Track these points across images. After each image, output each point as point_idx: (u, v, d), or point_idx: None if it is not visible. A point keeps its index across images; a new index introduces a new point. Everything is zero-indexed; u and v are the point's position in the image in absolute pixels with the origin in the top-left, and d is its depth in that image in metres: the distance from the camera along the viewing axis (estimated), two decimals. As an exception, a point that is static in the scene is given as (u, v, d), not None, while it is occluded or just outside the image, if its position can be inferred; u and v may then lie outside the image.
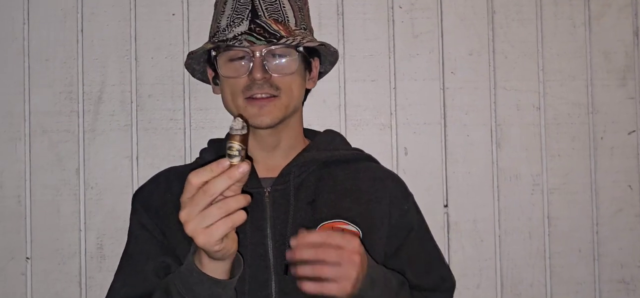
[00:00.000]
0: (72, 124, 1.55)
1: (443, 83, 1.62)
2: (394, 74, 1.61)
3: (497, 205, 1.62)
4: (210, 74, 1.30)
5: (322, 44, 1.26)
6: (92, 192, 1.55)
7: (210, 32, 1.29)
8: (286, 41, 1.17)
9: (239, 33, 1.18)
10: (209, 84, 1.34)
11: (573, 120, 1.64)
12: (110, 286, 1.23)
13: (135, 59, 1.57)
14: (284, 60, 1.20)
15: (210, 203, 0.92)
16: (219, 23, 1.24)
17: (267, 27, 1.18)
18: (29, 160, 1.54)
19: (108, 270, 1.49)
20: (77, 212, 1.55)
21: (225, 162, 0.93)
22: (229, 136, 0.95)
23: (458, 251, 1.61)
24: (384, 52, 1.61)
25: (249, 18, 1.20)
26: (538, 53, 1.64)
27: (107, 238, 1.54)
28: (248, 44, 1.16)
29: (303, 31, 1.25)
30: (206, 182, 0.93)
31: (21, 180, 1.54)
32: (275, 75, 1.19)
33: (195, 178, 0.93)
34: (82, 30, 1.56)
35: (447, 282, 1.31)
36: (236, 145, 0.93)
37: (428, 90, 1.62)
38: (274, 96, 1.19)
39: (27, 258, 1.54)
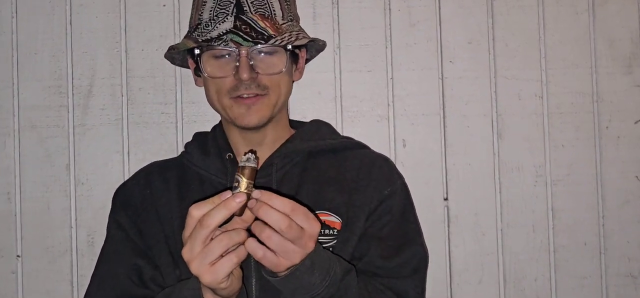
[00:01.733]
0: (61, 118, 1.54)
1: (441, 73, 1.58)
2: (391, 64, 1.58)
3: (499, 198, 1.58)
4: (191, 64, 1.26)
5: (311, 40, 1.23)
6: (82, 188, 1.54)
7: (190, 23, 1.25)
8: (275, 41, 1.14)
9: (224, 31, 1.13)
10: (185, 68, 1.32)
11: (577, 110, 1.60)
12: (87, 288, 1.23)
13: (126, 52, 1.54)
14: (271, 58, 1.16)
15: (211, 239, 0.90)
16: (200, 15, 1.19)
17: (253, 25, 1.14)
18: (18, 156, 1.53)
19: None
20: (67, 208, 1.53)
21: (226, 194, 0.91)
22: (237, 169, 0.93)
23: (459, 245, 1.58)
24: (381, 42, 1.58)
25: (234, 14, 1.15)
26: (540, 40, 1.60)
27: (98, 235, 1.51)
28: (234, 45, 1.13)
29: (289, 23, 1.21)
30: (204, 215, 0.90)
31: (11, 176, 1.53)
32: (263, 73, 1.15)
33: (197, 211, 0.91)
34: (70, 23, 1.54)
35: (413, 262, 1.21)
36: (242, 178, 0.91)
37: (426, 81, 1.58)
38: (262, 95, 1.16)
39: (18, 256, 1.52)
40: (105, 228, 1.45)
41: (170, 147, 1.54)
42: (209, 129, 1.35)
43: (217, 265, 0.91)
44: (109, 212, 1.45)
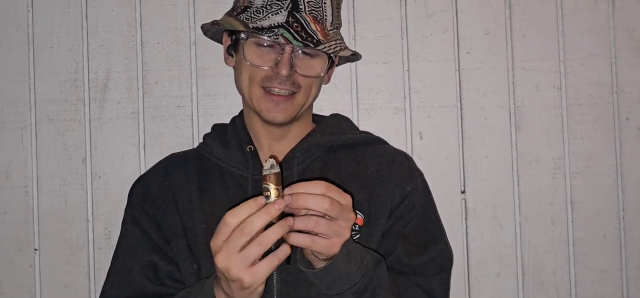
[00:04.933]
0: (78, 112, 1.54)
1: (458, 64, 1.58)
2: (407, 56, 1.57)
3: (517, 191, 1.57)
4: (226, 41, 1.25)
5: (354, 54, 1.25)
6: (99, 182, 1.54)
7: (238, 0, 1.23)
8: (323, 48, 1.14)
9: (276, 24, 1.13)
10: (216, 41, 1.31)
11: (596, 101, 1.59)
12: (103, 286, 1.24)
13: (141, 45, 1.55)
14: (312, 61, 1.17)
15: (248, 242, 0.91)
16: None
17: (305, 25, 1.14)
18: (36, 150, 1.53)
19: None
20: (84, 202, 1.53)
21: (261, 200, 0.92)
22: (262, 177, 0.95)
23: (477, 238, 1.57)
24: (397, 33, 1.57)
25: (288, 8, 1.15)
26: (558, 31, 1.59)
27: (116, 228, 1.47)
28: (284, 41, 1.12)
29: (335, 30, 1.22)
30: (242, 221, 0.91)
31: (28, 170, 1.53)
32: (300, 73, 1.16)
33: (233, 219, 0.91)
34: (86, 17, 1.54)
35: (438, 260, 1.22)
36: (270, 185, 0.93)
37: (443, 72, 1.57)
38: (293, 93, 1.17)
39: (35, 249, 1.53)
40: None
41: (186, 139, 1.54)
42: (224, 122, 1.35)
43: (258, 267, 0.91)
44: (125, 204, 1.45)
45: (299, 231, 0.95)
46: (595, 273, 1.58)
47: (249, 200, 0.93)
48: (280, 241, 0.94)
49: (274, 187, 0.93)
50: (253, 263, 0.91)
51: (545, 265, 1.57)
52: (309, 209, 0.94)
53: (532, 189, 1.58)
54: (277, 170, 0.94)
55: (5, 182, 1.53)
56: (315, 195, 0.93)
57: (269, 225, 0.93)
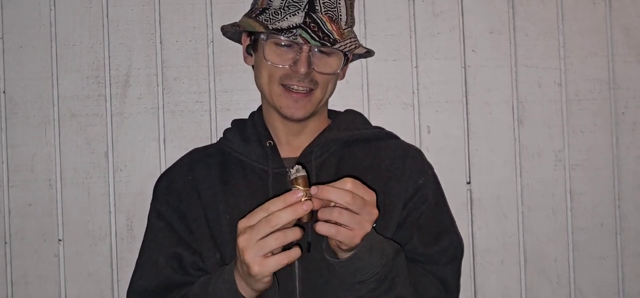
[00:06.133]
0: (100, 107, 1.58)
1: (464, 61, 1.62)
2: (416, 53, 1.62)
3: (520, 182, 1.63)
4: (245, 41, 1.29)
5: (368, 51, 1.29)
6: (121, 175, 1.58)
7: (255, 3, 1.27)
8: (339, 46, 1.18)
9: (294, 25, 1.17)
10: (235, 41, 1.35)
11: (594, 96, 1.64)
12: (132, 276, 1.27)
13: (161, 43, 1.59)
14: (328, 59, 1.21)
15: (269, 234, 0.96)
16: (270, 0, 1.22)
17: (322, 25, 1.18)
18: (59, 144, 1.57)
19: (138, 251, 1.47)
20: (106, 194, 1.57)
21: (299, 193, 0.97)
22: (291, 181, 0.99)
23: (482, 227, 1.62)
24: (405, 32, 1.62)
25: (305, 10, 1.19)
26: (559, 30, 1.64)
27: (137, 219, 1.57)
28: (302, 40, 1.16)
29: (349, 29, 1.26)
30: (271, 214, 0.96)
31: (51, 163, 1.57)
32: (318, 71, 1.20)
33: (274, 206, 0.96)
34: (107, 15, 1.58)
35: (451, 250, 1.27)
36: (299, 188, 0.97)
37: (450, 69, 1.62)
38: (311, 90, 1.21)
39: (59, 240, 1.57)
40: (143, 212, 1.46)
41: (204, 134, 1.58)
42: (241, 117, 1.39)
43: (269, 260, 0.96)
44: (146, 196, 1.46)
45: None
46: (593, 259, 1.64)
47: (285, 194, 0.98)
48: (296, 243, 0.99)
49: (303, 188, 0.97)
50: (266, 255, 0.96)
51: (546, 252, 1.63)
52: (333, 202, 0.99)
53: (534, 181, 1.63)
54: (303, 173, 0.99)
55: (30, 175, 1.57)
56: (338, 189, 0.98)
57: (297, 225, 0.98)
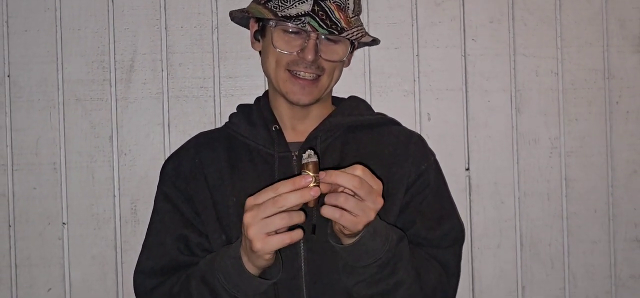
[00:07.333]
0: (104, 92, 1.57)
1: (464, 50, 1.64)
2: (417, 42, 1.63)
3: (517, 168, 1.65)
4: (252, 26, 1.29)
5: (374, 40, 1.30)
6: (125, 159, 1.58)
7: None
8: (347, 35, 1.19)
9: (303, 12, 1.17)
10: (243, 27, 1.35)
11: (590, 86, 1.66)
12: (139, 257, 1.28)
13: (165, 28, 1.58)
14: (335, 46, 1.22)
15: (275, 214, 0.97)
16: None
17: (330, 13, 1.18)
18: (64, 128, 1.57)
19: (142, 234, 1.46)
20: (111, 178, 1.58)
21: (302, 181, 0.97)
22: (301, 166, 1.00)
23: (479, 212, 1.65)
24: (407, 20, 1.63)
25: None
26: (556, 20, 1.65)
27: (141, 203, 1.58)
28: (310, 28, 1.17)
29: (356, 17, 1.27)
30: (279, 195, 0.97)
31: (56, 147, 1.57)
32: (325, 58, 1.21)
33: (283, 187, 0.97)
34: (112, 0, 1.58)
35: (452, 234, 1.28)
36: (309, 173, 0.98)
37: (450, 57, 1.63)
38: (318, 76, 1.21)
39: (64, 223, 1.57)
40: (147, 196, 1.53)
41: (208, 119, 1.59)
42: (245, 103, 1.39)
43: (272, 238, 0.98)
44: (150, 180, 1.53)
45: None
46: (587, 244, 1.66)
47: (294, 177, 0.98)
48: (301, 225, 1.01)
49: (313, 174, 0.98)
50: (269, 234, 0.98)
51: (541, 237, 1.65)
52: (341, 186, 1.00)
53: (530, 167, 1.65)
54: (315, 159, 0.99)
55: (35, 158, 1.56)
56: (346, 174, 0.99)
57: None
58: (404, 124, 1.41)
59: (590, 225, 1.67)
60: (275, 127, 1.27)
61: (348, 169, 1.01)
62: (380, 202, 1.02)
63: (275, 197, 0.97)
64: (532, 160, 1.65)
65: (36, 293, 1.56)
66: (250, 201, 0.99)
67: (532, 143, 1.65)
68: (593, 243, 1.67)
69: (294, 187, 0.97)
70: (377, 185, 1.02)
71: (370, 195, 1.00)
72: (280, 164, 1.23)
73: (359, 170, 1.00)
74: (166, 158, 1.37)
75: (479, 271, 1.65)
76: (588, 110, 1.67)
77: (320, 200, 0.99)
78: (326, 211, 0.99)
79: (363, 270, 1.09)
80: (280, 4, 1.20)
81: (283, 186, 0.97)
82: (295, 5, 1.18)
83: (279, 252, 1.05)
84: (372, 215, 1.01)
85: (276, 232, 0.98)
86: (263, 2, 1.24)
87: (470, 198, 1.65)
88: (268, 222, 0.97)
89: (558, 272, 1.66)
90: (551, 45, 1.66)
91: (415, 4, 1.63)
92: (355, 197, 0.99)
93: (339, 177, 0.99)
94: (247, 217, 0.98)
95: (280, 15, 1.18)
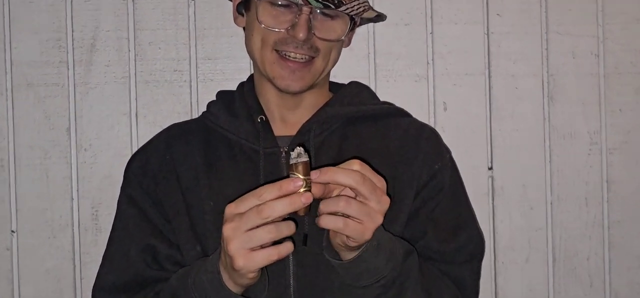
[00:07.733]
0: (61, 76, 1.51)
1: (487, 27, 1.57)
2: (431, 17, 1.56)
3: (549, 168, 1.59)
4: None
5: (379, 15, 1.24)
6: (85, 155, 1.52)
7: None
8: (345, 9, 1.14)
9: None
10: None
11: (637, 70, 1.59)
12: (98, 270, 1.25)
13: (133, 1, 1.51)
14: (332, 23, 1.16)
15: (260, 226, 0.93)
16: None
17: None
18: (12, 118, 1.51)
19: (104, 244, 1.43)
20: (68, 177, 1.52)
21: (289, 186, 0.91)
22: (289, 166, 0.95)
23: (504, 220, 1.58)
24: (419, -9, 1.57)
25: None
26: None
27: (104, 207, 1.51)
28: (302, 1, 1.12)
29: None
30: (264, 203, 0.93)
31: (4, 140, 1.50)
32: (319, 37, 1.15)
33: (268, 194, 0.91)
34: (71, -33, 1.51)
35: (469, 247, 1.24)
36: (298, 175, 0.92)
37: (470, 36, 1.57)
38: (311, 58, 1.16)
39: (12, 231, 1.51)
40: (111, 199, 1.49)
41: (183, 108, 1.53)
42: (226, 89, 1.33)
43: (256, 254, 0.92)
44: (114, 180, 1.44)
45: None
46: (632, 258, 1.60)
47: (281, 181, 0.92)
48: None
49: (303, 177, 0.92)
50: (253, 248, 0.92)
51: (578, 249, 1.59)
52: (339, 184, 0.93)
53: (565, 166, 1.59)
54: (305, 158, 0.92)
55: (-22, 154, 1.51)
56: (345, 170, 0.93)
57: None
58: (414, 115, 1.34)
59: (635, 236, 1.60)
60: (261, 118, 1.21)
61: (344, 165, 0.95)
62: (386, 200, 0.95)
63: (260, 205, 0.91)
64: (567, 159, 1.59)
65: (-21, 312, 1.53)
66: (230, 209, 0.93)
67: (568, 138, 1.58)
68: (639, 258, 1.60)
69: (281, 192, 0.91)
70: (380, 182, 0.95)
71: (374, 194, 0.93)
72: (267, 162, 1.18)
73: (356, 165, 0.94)
74: (134, 152, 1.32)
75: (503, 289, 1.59)
76: (635, 99, 1.59)
77: (310, 208, 0.93)
78: (327, 221, 0.93)
79: (363, 292, 1.04)
80: None
81: (268, 192, 0.91)
82: None
83: (265, 267, 0.99)
84: (379, 219, 0.95)
85: (262, 247, 0.93)
86: None
87: (493, 203, 1.58)
88: (251, 235, 0.91)
89: (598, 292, 1.60)
90: (591, 21, 1.59)
91: (429, -28, 1.58)
92: (356, 199, 0.94)
93: (336, 175, 0.92)
94: (227, 229, 0.93)
95: None
